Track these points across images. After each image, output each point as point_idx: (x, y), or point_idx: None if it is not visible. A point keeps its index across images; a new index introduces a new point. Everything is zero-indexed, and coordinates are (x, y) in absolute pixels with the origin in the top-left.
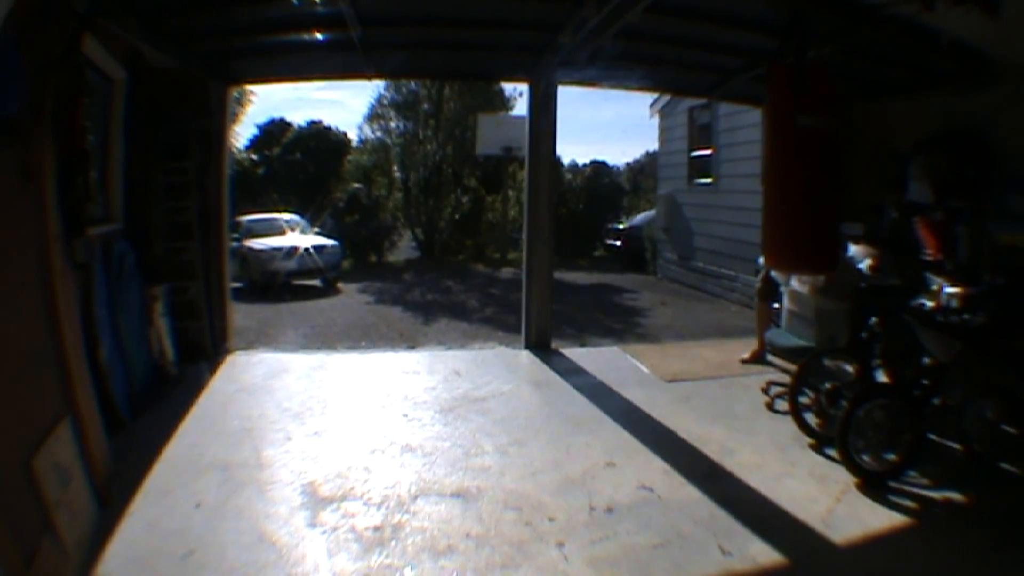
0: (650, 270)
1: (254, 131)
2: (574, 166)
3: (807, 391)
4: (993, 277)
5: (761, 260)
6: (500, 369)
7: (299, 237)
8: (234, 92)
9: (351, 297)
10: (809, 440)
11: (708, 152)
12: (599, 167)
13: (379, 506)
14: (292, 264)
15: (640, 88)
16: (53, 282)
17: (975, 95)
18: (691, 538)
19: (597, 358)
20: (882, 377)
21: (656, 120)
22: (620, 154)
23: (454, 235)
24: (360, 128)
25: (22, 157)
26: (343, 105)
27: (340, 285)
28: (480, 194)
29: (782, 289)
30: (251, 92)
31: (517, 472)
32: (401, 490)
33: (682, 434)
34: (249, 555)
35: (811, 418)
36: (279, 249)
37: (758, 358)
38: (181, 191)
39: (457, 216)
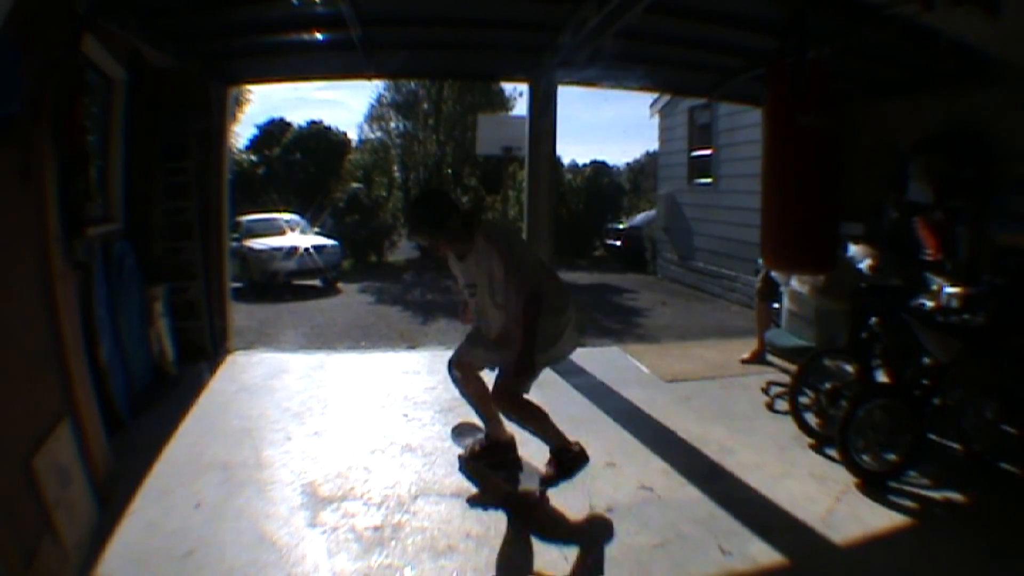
0: (650, 270)
1: (254, 131)
2: (574, 166)
3: (807, 391)
4: (993, 277)
5: (761, 260)
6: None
7: (299, 237)
8: (234, 92)
9: (351, 297)
10: (809, 440)
11: (708, 152)
12: (599, 167)
13: (379, 506)
14: (292, 264)
15: (640, 88)
16: (53, 282)
17: (975, 95)
18: (691, 538)
19: (597, 358)
20: (882, 377)
21: (656, 120)
22: (620, 154)
23: None
24: (360, 128)
25: (22, 157)
26: (343, 105)
27: (340, 285)
28: (480, 194)
29: (782, 289)
30: (250, 92)
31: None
32: (401, 490)
33: (682, 434)
34: (249, 555)
35: (811, 418)
36: (279, 249)
37: (758, 358)
38: (181, 191)
39: None
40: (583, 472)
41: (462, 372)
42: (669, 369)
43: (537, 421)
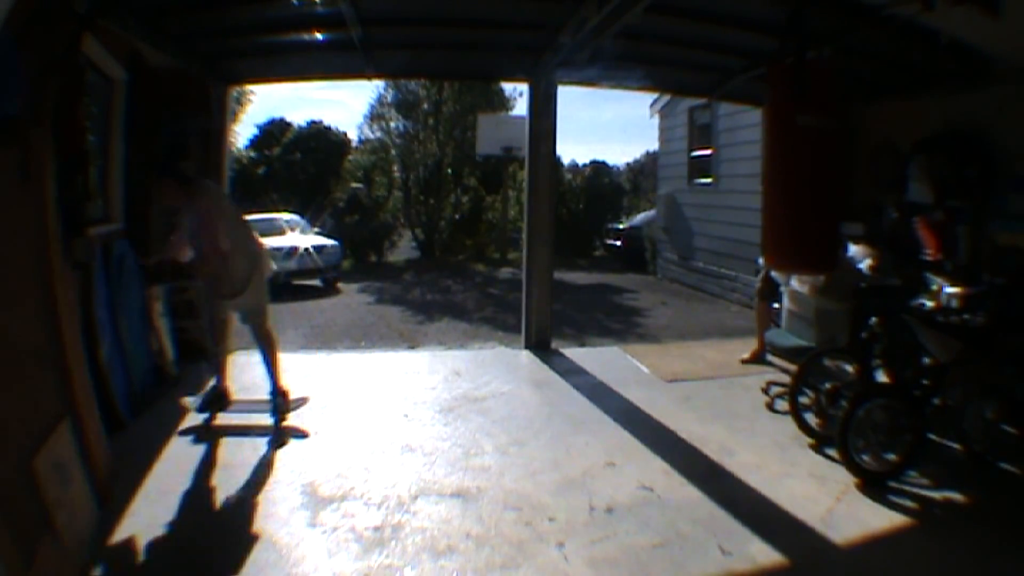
0: (650, 270)
1: (254, 131)
2: (574, 166)
3: (807, 391)
4: (993, 277)
5: (761, 260)
6: (500, 369)
7: (299, 237)
8: (234, 92)
9: (351, 297)
10: (809, 440)
11: (708, 152)
12: (599, 167)
13: (379, 506)
14: (292, 264)
15: (640, 88)
16: (53, 282)
17: (975, 95)
18: (691, 538)
19: (597, 358)
20: (882, 377)
21: (656, 120)
22: (620, 154)
23: (454, 235)
24: (360, 128)
25: (22, 157)
26: (343, 105)
27: (340, 285)
28: (480, 194)
29: (782, 289)
30: (251, 92)
31: (517, 472)
32: (401, 490)
33: (682, 434)
34: (249, 555)
35: (811, 418)
36: (279, 249)
37: (758, 358)
38: None
39: (457, 216)
40: (583, 472)
41: (221, 333)
42: (669, 369)
43: (276, 359)
